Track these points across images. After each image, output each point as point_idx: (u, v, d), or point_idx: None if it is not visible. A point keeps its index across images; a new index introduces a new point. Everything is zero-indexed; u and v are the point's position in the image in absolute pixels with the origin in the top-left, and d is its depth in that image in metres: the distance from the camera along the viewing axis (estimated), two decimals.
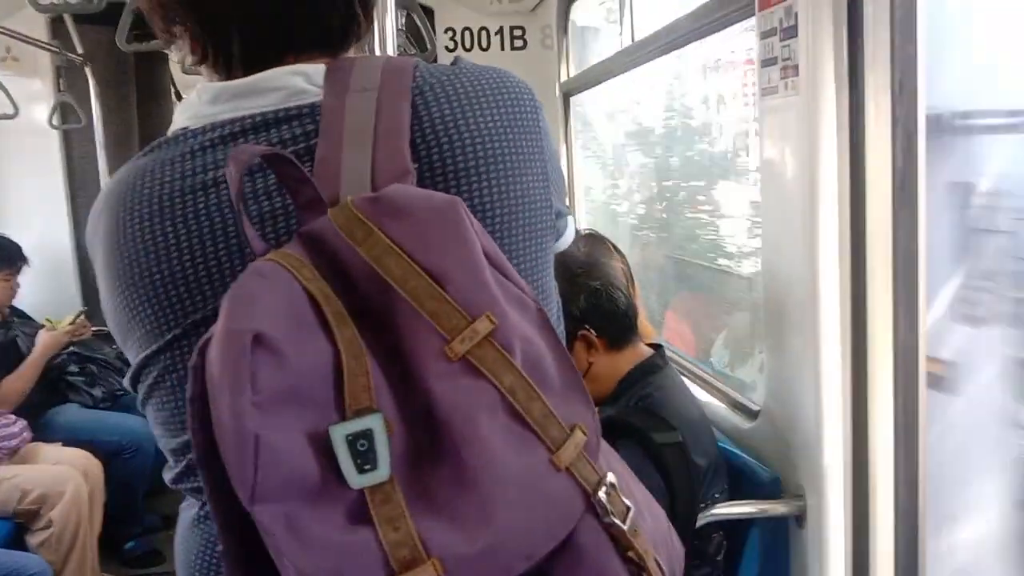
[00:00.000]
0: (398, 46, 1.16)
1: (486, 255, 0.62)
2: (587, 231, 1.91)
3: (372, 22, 0.85)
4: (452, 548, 0.54)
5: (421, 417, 0.57)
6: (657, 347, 1.81)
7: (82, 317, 3.67)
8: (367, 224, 0.60)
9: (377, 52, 1.12)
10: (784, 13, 1.49)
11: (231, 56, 0.77)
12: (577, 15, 3.64)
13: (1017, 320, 1.49)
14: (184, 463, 0.77)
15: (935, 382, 1.46)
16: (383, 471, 0.55)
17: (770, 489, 1.65)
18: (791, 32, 1.47)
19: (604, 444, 0.67)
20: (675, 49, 2.34)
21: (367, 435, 0.55)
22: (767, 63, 1.56)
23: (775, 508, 1.62)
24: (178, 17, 0.78)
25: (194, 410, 0.56)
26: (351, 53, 0.82)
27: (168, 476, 0.80)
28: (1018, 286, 1.48)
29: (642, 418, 1.57)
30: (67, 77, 4.10)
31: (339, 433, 0.54)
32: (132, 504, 3.49)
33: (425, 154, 0.72)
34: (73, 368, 3.68)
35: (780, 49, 1.51)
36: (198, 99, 0.77)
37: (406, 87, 0.73)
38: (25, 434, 3.16)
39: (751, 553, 1.67)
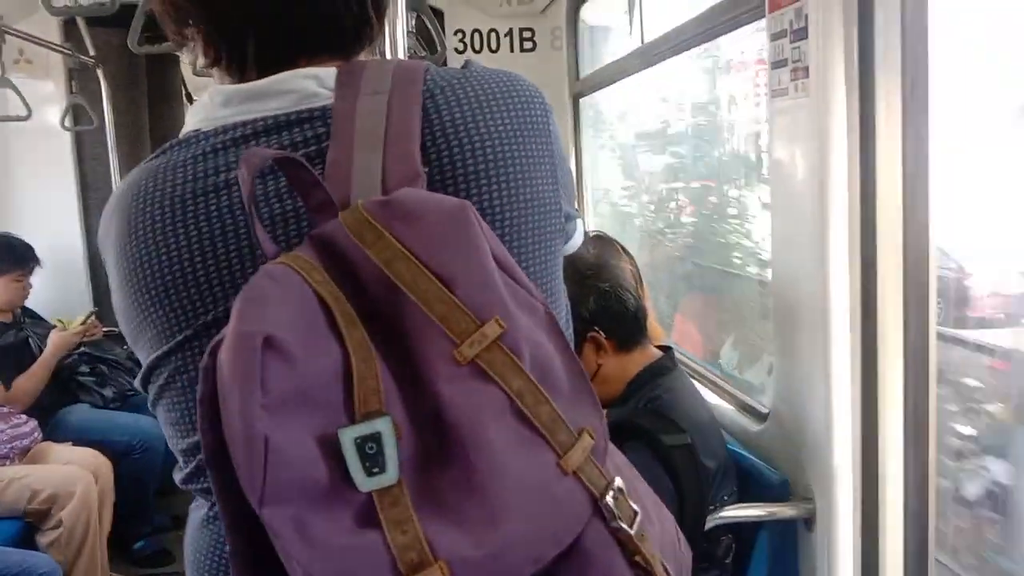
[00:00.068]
0: (408, 48, 1.16)
1: (495, 259, 0.62)
2: (595, 233, 1.91)
3: (384, 25, 0.85)
4: (459, 551, 0.54)
5: (429, 420, 0.57)
6: (666, 349, 1.80)
7: (93, 318, 3.69)
8: (377, 228, 0.60)
9: (388, 54, 1.13)
10: (794, 15, 1.49)
11: (244, 59, 0.78)
12: (588, 15, 3.63)
13: None
14: (194, 464, 0.77)
15: None
16: (391, 474, 0.55)
17: (779, 492, 1.64)
18: (801, 34, 1.47)
19: (612, 448, 0.67)
20: (685, 50, 2.33)
21: (376, 438, 0.55)
22: (777, 65, 1.56)
23: (784, 511, 1.62)
24: (191, 19, 0.79)
25: (204, 411, 0.57)
26: (363, 56, 0.82)
27: (178, 477, 0.81)
28: None
29: (651, 420, 1.57)
30: (79, 79, 4.12)
31: (348, 436, 0.54)
32: (142, 504, 3.50)
33: (435, 157, 0.72)
34: (84, 368, 3.69)
35: (790, 51, 1.51)
36: (210, 101, 0.78)
37: (417, 91, 0.73)
38: (36, 434, 3.18)
39: (760, 556, 1.66)
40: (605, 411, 0.64)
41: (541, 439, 0.59)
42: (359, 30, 0.80)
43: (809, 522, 1.59)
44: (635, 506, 0.62)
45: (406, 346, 0.59)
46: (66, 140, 4.28)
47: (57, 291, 4.00)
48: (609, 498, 0.60)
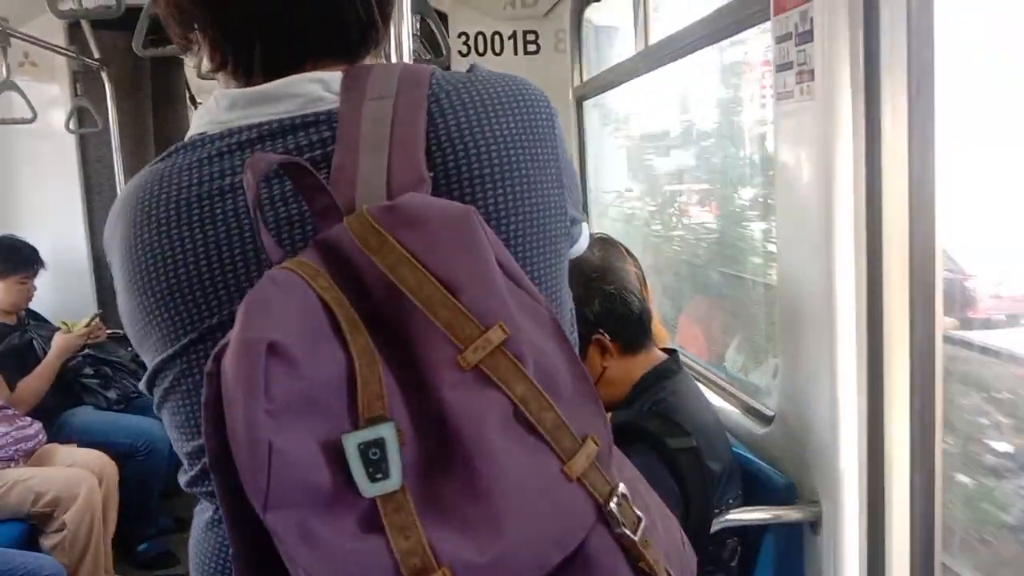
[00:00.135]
0: (413, 51, 1.16)
1: (500, 264, 0.62)
2: (600, 235, 1.91)
3: (389, 29, 0.85)
4: (463, 557, 0.54)
5: (433, 426, 0.57)
6: (671, 352, 1.80)
7: (97, 320, 3.69)
8: (382, 233, 0.60)
9: (393, 58, 1.13)
10: (799, 17, 1.48)
11: (250, 63, 0.78)
12: (595, 15, 3.63)
13: None
14: (199, 467, 0.77)
15: None
16: (395, 480, 0.55)
17: (785, 495, 1.64)
18: (806, 37, 1.47)
19: (617, 453, 0.66)
20: (690, 53, 2.33)
21: (379, 444, 0.55)
22: (782, 67, 1.56)
23: (789, 514, 1.61)
24: (197, 24, 0.79)
25: (208, 416, 0.57)
26: (368, 59, 0.82)
27: (183, 479, 0.81)
28: None
29: (656, 423, 1.56)
30: (83, 82, 4.14)
31: (351, 442, 0.54)
32: (146, 506, 3.50)
33: (440, 162, 0.72)
34: (88, 370, 3.70)
35: (796, 54, 1.50)
36: (216, 105, 0.78)
37: (422, 95, 0.73)
38: (41, 436, 3.18)
39: (765, 559, 1.66)
40: (610, 414, 0.64)
41: (545, 445, 0.59)
42: (364, 34, 0.80)
43: (815, 525, 1.59)
44: (639, 512, 0.62)
45: (410, 351, 0.59)
46: (70, 142, 4.29)
47: (61, 293, 4.01)
48: (613, 504, 0.60)
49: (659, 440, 1.50)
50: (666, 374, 1.73)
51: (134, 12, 2.56)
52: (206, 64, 0.82)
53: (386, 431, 0.55)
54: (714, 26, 2.03)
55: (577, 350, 0.76)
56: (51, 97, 4.20)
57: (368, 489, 0.54)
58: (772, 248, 2.82)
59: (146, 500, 3.50)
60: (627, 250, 1.90)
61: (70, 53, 4.00)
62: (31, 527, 2.93)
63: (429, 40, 2.87)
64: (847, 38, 1.40)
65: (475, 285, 0.60)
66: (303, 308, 0.57)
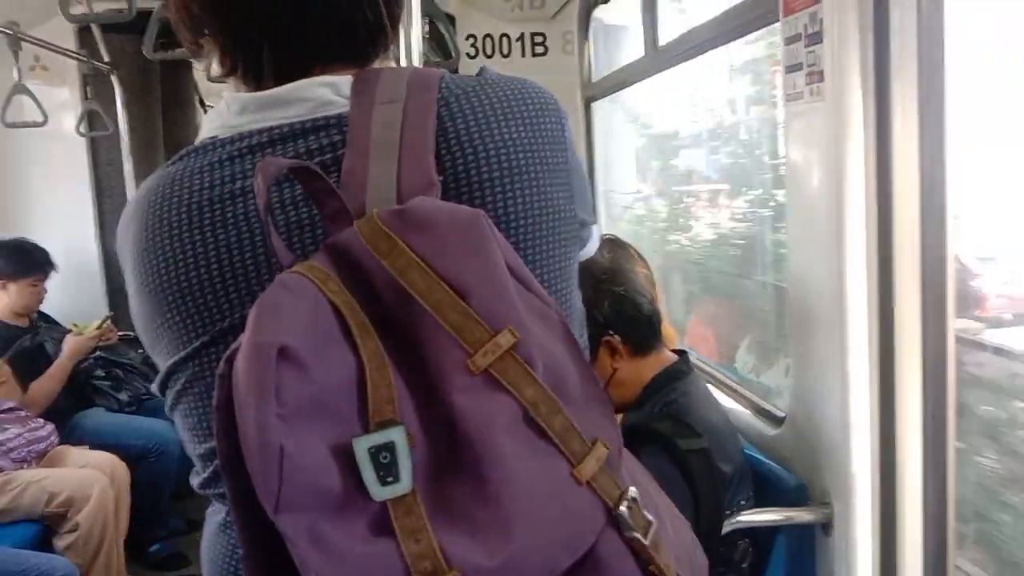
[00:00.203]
0: (422, 54, 1.16)
1: (509, 268, 0.62)
2: (609, 237, 1.91)
3: (398, 32, 0.85)
4: (473, 561, 0.54)
5: (443, 430, 0.57)
6: (682, 353, 1.80)
7: (108, 322, 3.71)
8: (392, 237, 0.61)
9: (403, 61, 1.13)
10: (809, 19, 1.48)
11: (260, 67, 0.78)
12: (605, 14, 3.61)
13: None
14: (211, 469, 0.78)
15: None
16: (405, 484, 0.55)
17: (796, 496, 1.63)
18: (816, 38, 1.46)
19: (627, 456, 0.66)
20: (699, 54, 2.32)
21: (390, 447, 0.55)
22: (792, 69, 1.55)
23: (801, 515, 1.61)
24: (207, 29, 0.79)
25: (219, 419, 0.57)
26: (378, 62, 0.82)
27: (195, 481, 0.81)
28: None
29: (667, 424, 1.56)
30: (94, 85, 4.15)
31: (362, 446, 0.54)
32: (157, 507, 3.52)
33: (450, 165, 0.72)
34: (99, 372, 3.72)
35: (805, 55, 1.50)
36: (227, 109, 0.78)
37: (432, 98, 0.73)
38: (53, 438, 3.20)
39: (777, 560, 1.65)
40: (620, 415, 0.64)
41: (554, 449, 0.59)
42: (374, 38, 0.80)
43: (827, 527, 1.58)
44: (649, 515, 0.62)
45: (420, 355, 0.59)
46: (81, 146, 4.31)
47: (72, 296, 4.02)
48: (623, 508, 0.60)
49: (670, 442, 1.50)
50: (677, 375, 1.72)
51: (144, 16, 2.57)
52: (216, 69, 0.82)
53: (396, 435, 0.55)
54: (723, 27, 2.03)
55: (587, 352, 0.76)
56: (62, 101, 4.22)
57: (378, 493, 0.54)
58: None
59: (157, 502, 3.51)
60: (637, 251, 1.90)
61: (80, 57, 4.02)
62: (45, 528, 2.94)
63: (438, 43, 2.88)
64: (857, 39, 1.39)
65: (484, 289, 0.60)
66: (314, 312, 0.57)
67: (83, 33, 4.11)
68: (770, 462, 1.74)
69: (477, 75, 0.80)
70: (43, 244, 3.57)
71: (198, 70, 5.10)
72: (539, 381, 0.59)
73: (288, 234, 0.72)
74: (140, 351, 3.84)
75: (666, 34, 2.56)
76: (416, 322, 0.59)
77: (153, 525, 3.51)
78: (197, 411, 0.76)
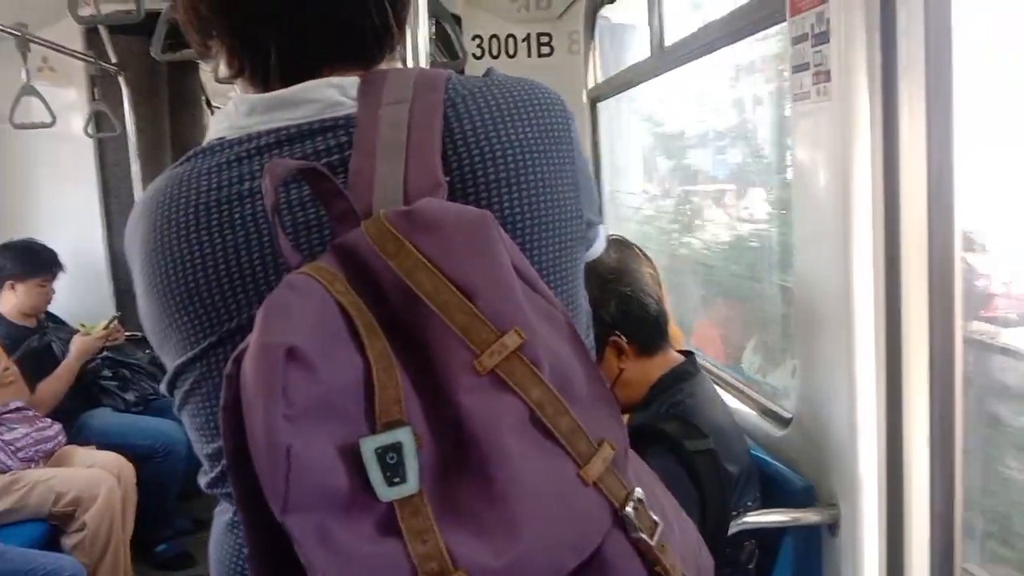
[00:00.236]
0: (428, 55, 1.17)
1: (516, 269, 0.62)
2: (615, 237, 1.91)
3: (405, 34, 0.85)
4: (479, 561, 0.54)
5: (450, 430, 0.58)
6: (688, 354, 1.80)
7: (115, 322, 3.72)
8: (399, 238, 0.61)
9: (409, 62, 1.13)
10: (816, 19, 1.48)
11: (268, 69, 0.78)
12: (612, 13, 3.61)
13: None
14: (219, 468, 0.78)
15: None
16: (412, 484, 0.55)
17: (803, 497, 1.63)
18: (823, 38, 1.46)
19: (634, 456, 0.66)
20: (705, 55, 2.32)
21: (396, 448, 0.55)
22: (798, 68, 1.55)
23: (808, 516, 1.61)
24: (215, 31, 0.79)
25: (227, 419, 0.57)
26: (384, 63, 0.82)
27: (203, 481, 0.81)
28: None
29: (674, 425, 1.56)
30: (101, 86, 4.17)
31: (369, 446, 0.55)
32: (163, 507, 3.53)
33: (456, 166, 0.72)
34: (106, 372, 3.73)
35: (812, 55, 1.50)
36: (235, 110, 0.78)
37: (438, 99, 0.73)
38: (60, 437, 3.21)
39: (784, 562, 1.65)
40: (627, 416, 0.64)
41: (561, 449, 0.59)
42: (380, 39, 0.80)
43: (834, 528, 1.58)
44: (655, 516, 0.62)
45: (427, 356, 0.59)
46: (88, 146, 4.33)
47: (80, 296, 4.04)
48: (629, 509, 0.60)
49: (676, 442, 1.49)
50: (683, 376, 1.72)
51: (152, 17, 2.58)
52: (224, 70, 0.82)
53: (403, 435, 0.55)
54: (729, 27, 2.03)
55: (593, 353, 0.76)
56: (69, 102, 4.24)
57: (385, 493, 0.54)
58: None
59: (164, 501, 3.52)
60: (642, 251, 1.90)
61: (88, 58, 4.04)
62: (52, 527, 2.95)
63: (444, 43, 2.88)
64: (864, 39, 1.39)
65: (491, 290, 0.60)
66: (321, 313, 0.57)
67: (90, 34, 4.13)
68: (777, 463, 1.73)
69: (484, 76, 0.80)
70: (51, 245, 3.58)
71: (205, 71, 5.12)
72: (545, 382, 0.59)
73: (295, 235, 0.72)
74: (147, 351, 3.85)
75: (680, 30, 2.53)
76: (423, 323, 0.59)
77: (159, 525, 3.52)
78: (205, 411, 0.77)
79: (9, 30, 3.28)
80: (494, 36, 3.71)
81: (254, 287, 0.72)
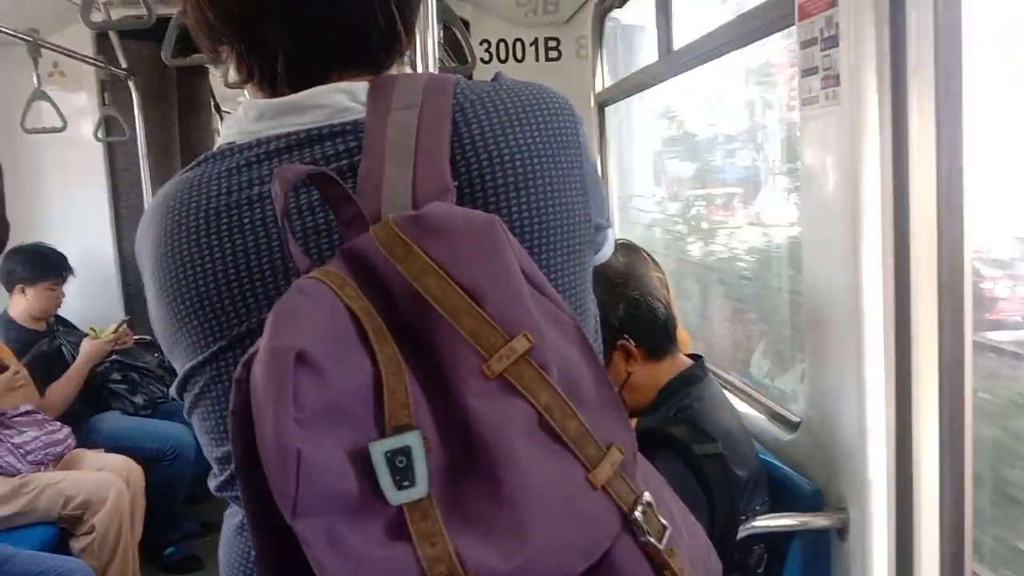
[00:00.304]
0: (437, 59, 1.17)
1: (524, 273, 0.63)
2: (623, 242, 1.91)
3: (413, 39, 0.85)
4: (488, 564, 0.54)
5: (458, 434, 0.58)
6: (697, 357, 1.80)
7: (124, 326, 3.74)
8: (407, 242, 0.61)
9: (419, 66, 1.13)
10: (825, 23, 1.47)
11: (277, 75, 0.79)
12: (622, 15, 3.60)
13: None
14: (229, 472, 0.78)
15: None
16: (421, 488, 0.55)
17: (811, 501, 1.63)
18: (832, 42, 1.46)
19: (642, 460, 0.66)
20: (714, 58, 2.32)
21: (406, 452, 0.55)
22: (807, 73, 1.55)
23: (816, 521, 1.60)
24: (225, 38, 0.80)
25: (236, 423, 0.57)
26: (394, 68, 0.83)
27: (213, 484, 0.82)
28: None
29: (682, 429, 1.55)
30: (111, 91, 4.20)
31: (378, 450, 0.55)
32: (172, 510, 3.54)
33: (465, 171, 0.72)
34: (116, 376, 3.74)
35: (821, 59, 1.49)
36: (244, 115, 0.79)
37: (447, 104, 0.73)
38: (69, 440, 3.22)
39: (792, 566, 1.65)
40: (635, 420, 0.64)
41: (569, 453, 0.59)
42: (388, 45, 0.81)
43: (842, 532, 1.57)
44: (664, 520, 0.62)
45: (436, 360, 0.59)
46: (98, 151, 4.35)
47: (89, 300, 4.06)
48: (638, 513, 0.60)
49: (685, 446, 1.49)
50: (691, 380, 1.72)
51: (163, 23, 2.59)
52: (233, 75, 0.83)
53: (412, 439, 0.55)
54: (738, 31, 2.03)
55: (602, 356, 0.76)
56: (79, 106, 4.26)
57: (395, 497, 0.55)
58: None
59: (172, 505, 3.53)
60: (650, 256, 1.90)
61: (98, 63, 4.06)
62: (61, 530, 2.97)
63: (453, 48, 2.89)
64: (873, 42, 1.39)
65: (499, 294, 0.60)
66: (331, 317, 0.58)
67: (101, 40, 4.15)
68: (785, 467, 1.73)
69: (492, 80, 0.80)
70: (61, 248, 3.60)
71: (214, 76, 5.15)
72: (554, 386, 0.59)
73: (305, 240, 0.72)
74: (156, 355, 3.87)
75: (702, 27, 2.50)
76: (432, 327, 0.59)
77: (168, 528, 3.53)
78: (214, 415, 0.77)
79: (21, 36, 3.30)
80: (502, 40, 3.72)
81: (264, 291, 0.72)
